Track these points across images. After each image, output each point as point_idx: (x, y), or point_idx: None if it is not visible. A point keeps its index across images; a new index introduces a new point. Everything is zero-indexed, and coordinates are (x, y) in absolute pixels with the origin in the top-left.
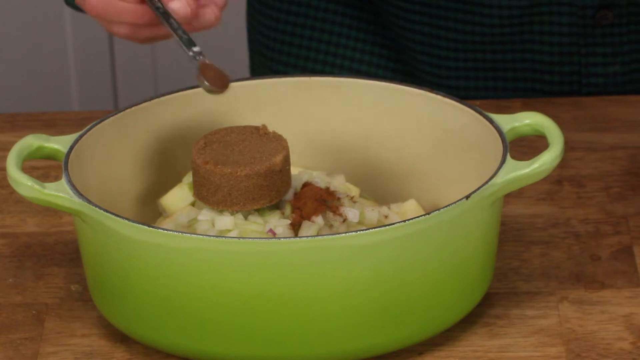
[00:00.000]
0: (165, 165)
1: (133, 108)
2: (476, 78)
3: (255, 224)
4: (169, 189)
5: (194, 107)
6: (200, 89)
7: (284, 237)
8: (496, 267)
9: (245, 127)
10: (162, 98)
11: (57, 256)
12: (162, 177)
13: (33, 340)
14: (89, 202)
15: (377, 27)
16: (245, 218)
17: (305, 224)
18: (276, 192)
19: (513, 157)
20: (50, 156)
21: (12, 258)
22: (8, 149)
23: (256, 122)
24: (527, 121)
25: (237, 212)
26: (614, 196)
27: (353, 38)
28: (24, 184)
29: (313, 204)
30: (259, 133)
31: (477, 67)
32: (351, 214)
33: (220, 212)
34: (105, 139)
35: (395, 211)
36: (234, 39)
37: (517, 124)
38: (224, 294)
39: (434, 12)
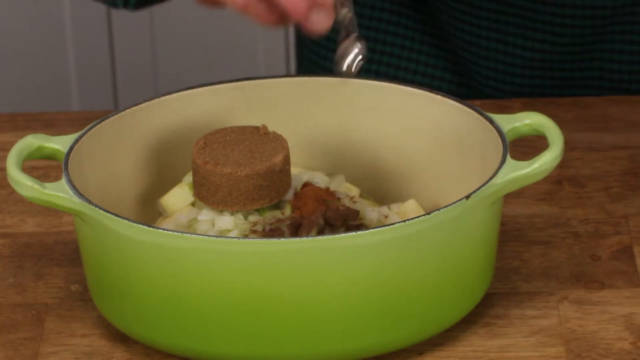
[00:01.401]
0: (165, 165)
1: (133, 108)
2: (542, 95)
3: (255, 224)
4: (169, 189)
5: (194, 107)
6: (200, 89)
7: (284, 237)
8: (496, 267)
9: (245, 127)
10: (162, 98)
11: (57, 256)
12: (162, 177)
13: (33, 340)
14: (89, 202)
15: (440, 40)
16: (245, 218)
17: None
18: (276, 192)
19: (513, 157)
20: (50, 156)
21: (12, 258)
22: (8, 149)
23: (256, 122)
24: (527, 121)
25: (237, 212)
26: (614, 196)
27: (416, 50)
28: (24, 184)
29: (313, 204)
30: (259, 133)
31: (543, 84)
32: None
33: (220, 212)
34: (105, 139)
35: (395, 211)
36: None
37: (517, 124)
38: (224, 294)
39: (502, 28)
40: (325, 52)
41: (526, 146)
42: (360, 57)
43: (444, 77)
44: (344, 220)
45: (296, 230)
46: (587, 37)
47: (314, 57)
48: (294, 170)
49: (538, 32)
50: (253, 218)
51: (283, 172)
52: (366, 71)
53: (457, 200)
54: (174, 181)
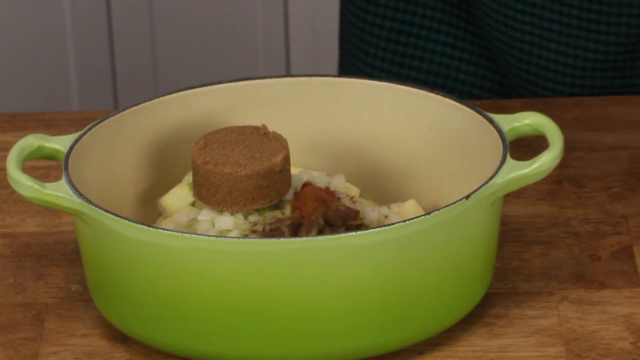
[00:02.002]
0: (165, 165)
1: (133, 108)
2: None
3: (255, 224)
4: (169, 189)
5: (194, 107)
6: (200, 89)
7: (284, 237)
8: (496, 267)
9: (245, 127)
10: (162, 98)
11: (57, 256)
12: (162, 177)
13: (33, 340)
14: (89, 202)
15: (479, 39)
16: (245, 218)
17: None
18: (276, 192)
19: (513, 157)
20: (50, 156)
21: (12, 258)
22: (8, 149)
23: (256, 122)
24: (527, 121)
25: (237, 212)
26: (614, 196)
27: (450, 45)
28: (24, 184)
29: (313, 204)
30: (259, 133)
31: (583, 93)
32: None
33: (220, 212)
34: (105, 139)
35: (395, 211)
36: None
37: (517, 124)
38: (224, 294)
39: (545, 34)
40: (367, 47)
41: (526, 146)
42: None
43: (478, 73)
44: (344, 220)
45: (296, 230)
46: (631, 46)
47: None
48: (294, 170)
49: (581, 40)
50: (253, 218)
51: (283, 172)
52: (399, 65)
53: (457, 200)
54: (174, 181)
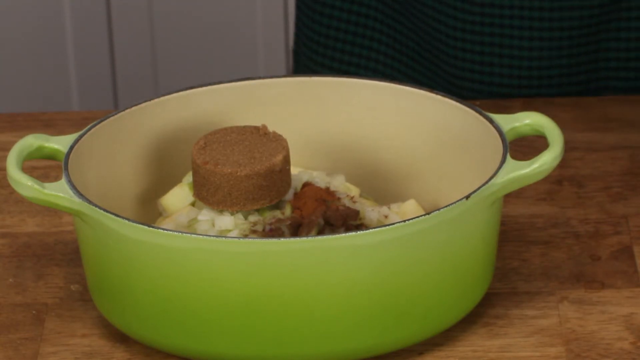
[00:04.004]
0: (165, 165)
1: (133, 108)
2: (549, 85)
3: (255, 224)
4: (169, 189)
5: (194, 107)
6: (200, 89)
7: (284, 237)
8: (496, 267)
9: (245, 127)
10: (162, 98)
11: (57, 256)
12: (162, 177)
13: (33, 340)
14: (89, 202)
15: (412, 33)
16: (245, 218)
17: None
18: (276, 192)
19: (513, 157)
20: (50, 156)
21: (12, 258)
22: (8, 149)
23: (256, 122)
24: (527, 121)
25: (237, 212)
26: (614, 196)
27: (384, 44)
28: (24, 184)
29: (313, 204)
30: (259, 133)
31: (551, 74)
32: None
33: (220, 212)
34: (105, 139)
35: (395, 211)
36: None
37: (517, 124)
38: (224, 294)
39: (506, 13)
40: (323, 49)
41: (526, 146)
42: None
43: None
44: (344, 220)
45: (296, 230)
46: (595, 18)
47: (310, 53)
48: (294, 170)
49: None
50: (253, 218)
51: (283, 172)
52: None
53: (457, 200)
54: (174, 181)
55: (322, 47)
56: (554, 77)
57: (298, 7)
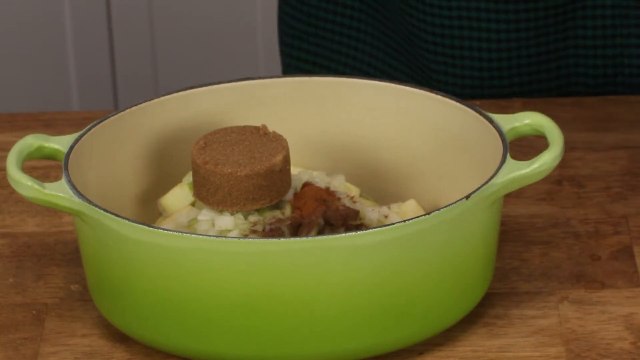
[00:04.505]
0: (165, 165)
1: (133, 108)
2: (519, 74)
3: (255, 224)
4: (169, 189)
5: (194, 107)
6: (200, 89)
7: (284, 237)
8: (496, 267)
9: (245, 127)
10: (162, 98)
11: (57, 256)
12: (162, 177)
13: (33, 340)
14: (89, 202)
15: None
16: (245, 218)
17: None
18: (276, 192)
19: (513, 157)
20: (50, 156)
21: (12, 258)
22: (8, 149)
23: (256, 122)
24: (527, 121)
25: (237, 212)
26: (614, 196)
27: (374, 46)
28: (24, 184)
29: (313, 204)
30: (259, 133)
31: (520, 63)
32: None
33: (220, 212)
34: (105, 139)
35: (395, 211)
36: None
37: (517, 124)
38: (224, 294)
39: (472, 5)
40: (307, 45)
41: (526, 146)
42: None
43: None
44: (344, 220)
45: (296, 230)
46: (560, 8)
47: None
48: (294, 170)
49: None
50: (253, 218)
51: (283, 172)
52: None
53: (457, 200)
54: (174, 181)
55: (305, 44)
56: (523, 67)
57: (279, 7)
